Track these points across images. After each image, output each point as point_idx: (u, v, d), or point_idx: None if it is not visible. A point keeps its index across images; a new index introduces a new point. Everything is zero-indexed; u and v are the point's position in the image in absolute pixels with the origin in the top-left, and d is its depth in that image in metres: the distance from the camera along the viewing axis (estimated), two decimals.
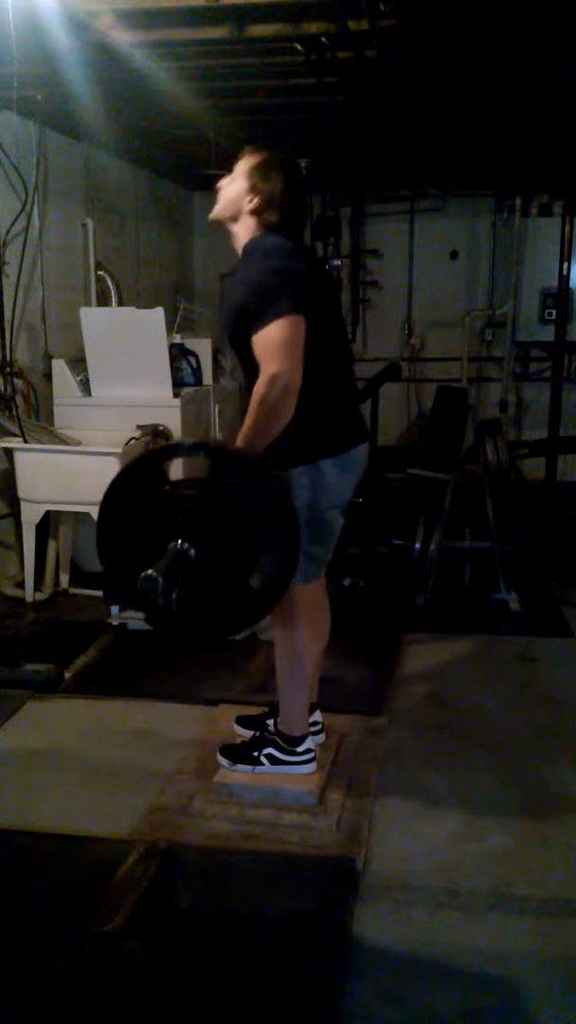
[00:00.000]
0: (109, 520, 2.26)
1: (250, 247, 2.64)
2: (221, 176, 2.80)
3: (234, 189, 2.67)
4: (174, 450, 2.26)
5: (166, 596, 2.08)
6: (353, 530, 5.26)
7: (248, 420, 2.36)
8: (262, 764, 2.87)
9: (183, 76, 4.17)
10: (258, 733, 2.97)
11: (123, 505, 2.24)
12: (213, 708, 3.46)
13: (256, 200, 2.62)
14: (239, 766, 2.89)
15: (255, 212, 2.63)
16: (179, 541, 2.13)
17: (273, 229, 2.62)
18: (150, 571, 2.03)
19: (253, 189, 2.62)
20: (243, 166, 2.67)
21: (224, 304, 2.71)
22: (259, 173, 2.63)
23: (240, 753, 2.92)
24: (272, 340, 2.37)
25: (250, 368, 2.50)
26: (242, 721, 3.15)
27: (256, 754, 2.88)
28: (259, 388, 2.36)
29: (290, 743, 2.87)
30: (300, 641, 2.79)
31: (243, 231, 2.67)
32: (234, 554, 2.17)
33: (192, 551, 2.12)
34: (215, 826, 2.72)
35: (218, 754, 2.94)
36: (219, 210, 2.72)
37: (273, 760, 2.87)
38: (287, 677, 2.83)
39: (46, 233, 5.14)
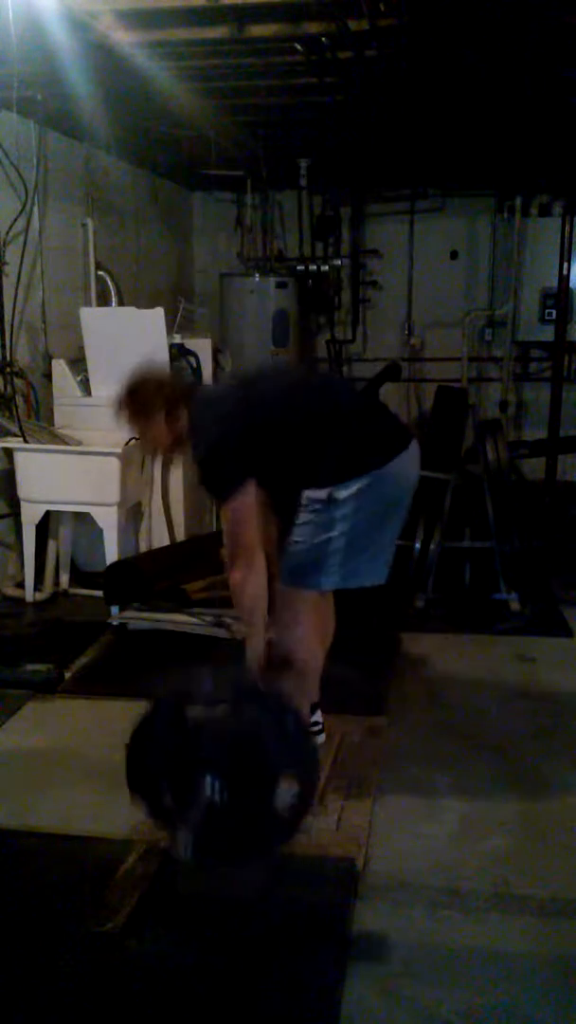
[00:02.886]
0: (137, 765, 2.38)
1: (190, 434, 2.78)
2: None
3: (154, 434, 2.83)
4: (190, 696, 2.38)
5: (197, 854, 2.18)
6: None
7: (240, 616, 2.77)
8: None
9: (183, 76, 4.17)
10: None
11: (148, 750, 2.37)
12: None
13: (165, 411, 2.77)
14: None
15: (177, 410, 2.77)
16: (204, 780, 2.23)
17: (185, 403, 2.78)
18: (178, 836, 2.14)
19: (149, 414, 2.79)
20: (133, 419, 2.84)
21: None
22: (139, 407, 2.80)
23: None
24: (230, 520, 2.67)
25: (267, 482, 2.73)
26: None
27: None
28: (228, 577, 2.71)
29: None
30: (305, 642, 2.80)
31: (178, 428, 2.80)
32: (259, 782, 2.27)
33: (217, 790, 2.22)
34: None
35: None
36: (168, 445, 2.88)
37: None
38: (291, 677, 2.83)
39: (46, 233, 5.13)
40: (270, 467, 2.70)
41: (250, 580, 2.67)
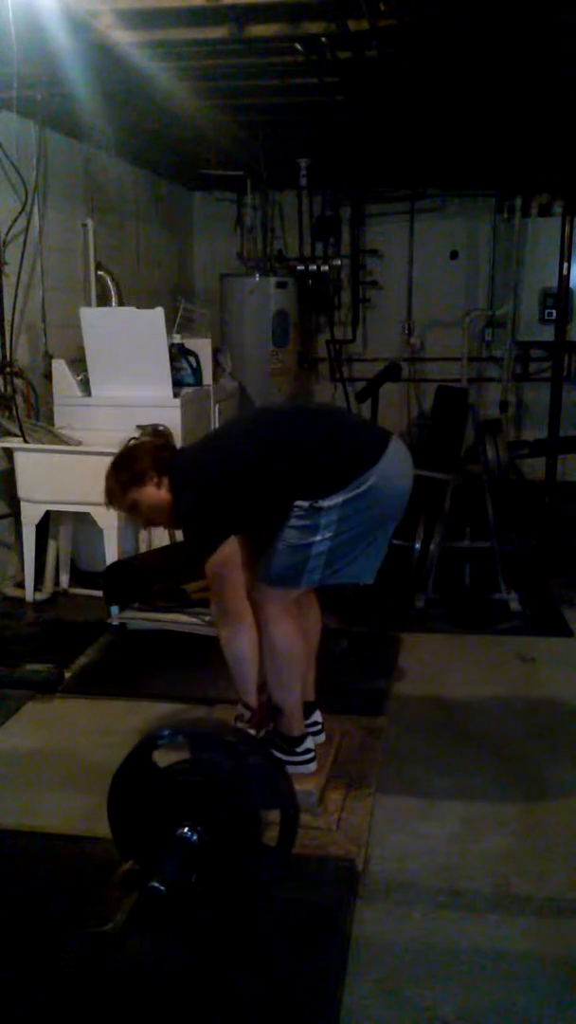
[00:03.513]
0: (117, 812, 2.37)
1: (173, 500, 2.80)
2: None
3: (144, 504, 2.82)
4: (155, 741, 2.37)
5: (175, 897, 2.16)
6: None
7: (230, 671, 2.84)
8: None
9: (183, 76, 4.17)
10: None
11: (125, 798, 2.35)
12: (213, 708, 3.46)
13: (152, 474, 2.78)
14: None
15: (160, 479, 2.79)
16: (180, 829, 2.22)
17: (167, 469, 2.80)
18: (154, 882, 2.11)
19: (143, 481, 2.78)
20: (124, 496, 2.82)
21: None
22: (130, 478, 2.79)
23: None
24: (211, 579, 2.74)
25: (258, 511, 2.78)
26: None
27: None
28: (218, 633, 2.82)
29: (290, 743, 2.87)
30: (281, 639, 2.79)
31: (167, 497, 2.81)
32: (238, 821, 2.26)
33: (195, 836, 2.21)
34: None
35: None
36: (164, 517, 2.90)
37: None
38: (275, 677, 2.84)
39: (46, 233, 5.13)
40: (251, 512, 2.76)
41: (237, 639, 2.76)
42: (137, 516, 2.95)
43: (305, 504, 2.64)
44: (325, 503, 2.62)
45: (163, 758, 2.38)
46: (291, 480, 2.68)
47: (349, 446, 2.73)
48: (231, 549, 2.69)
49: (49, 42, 3.51)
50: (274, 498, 2.71)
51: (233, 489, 2.72)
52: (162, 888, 2.08)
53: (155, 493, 2.79)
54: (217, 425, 5.63)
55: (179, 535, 5.02)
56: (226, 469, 2.75)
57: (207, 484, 2.75)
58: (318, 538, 2.64)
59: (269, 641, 2.80)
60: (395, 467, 2.71)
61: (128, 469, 2.81)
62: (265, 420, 3.02)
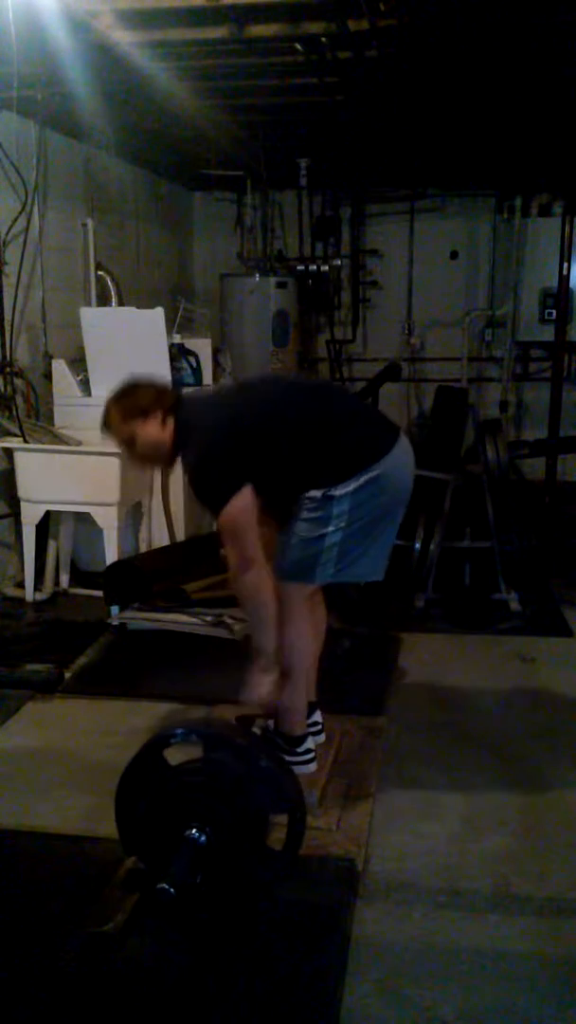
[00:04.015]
0: (124, 812, 2.36)
1: (178, 442, 2.69)
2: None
3: (141, 440, 2.70)
4: (167, 739, 2.36)
5: (184, 899, 2.15)
6: None
7: (251, 623, 2.77)
8: None
9: (183, 76, 4.17)
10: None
11: (134, 795, 2.34)
12: (213, 708, 3.45)
13: (157, 411, 2.67)
14: None
15: (164, 418, 2.69)
16: (189, 829, 2.21)
17: (172, 409, 2.70)
18: (163, 884, 2.11)
19: (144, 412, 2.67)
20: (123, 425, 2.70)
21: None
22: (133, 409, 2.68)
23: None
24: (227, 529, 2.60)
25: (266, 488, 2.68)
26: (242, 721, 3.14)
27: None
28: (235, 586, 2.68)
29: (291, 743, 2.87)
30: (301, 637, 2.79)
31: (168, 440, 2.70)
32: (246, 824, 2.26)
33: (203, 837, 2.21)
34: None
35: None
36: (158, 456, 2.78)
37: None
38: (290, 673, 2.82)
39: (46, 233, 5.14)
40: (263, 474, 2.65)
41: (260, 583, 2.63)
42: (131, 452, 2.78)
43: (317, 494, 2.62)
44: (337, 491, 2.61)
45: (172, 757, 2.37)
46: (307, 459, 2.64)
47: (366, 432, 2.74)
48: (245, 499, 2.56)
49: (49, 42, 3.51)
50: (286, 473, 2.67)
51: (244, 449, 2.62)
52: (171, 890, 2.08)
53: (156, 431, 2.67)
54: None
55: (179, 537, 5.05)
56: (238, 429, 2.66)
57: (218, 436, 2.66)
58: (330, 528, 2.63)
59: (282, 638, 2.78)
60: (403, 458, 2.75)
61: (132, 400, 2.69)
62: (281, 391, 2.93)
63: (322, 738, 3.08)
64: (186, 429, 2.68)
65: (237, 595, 2.71)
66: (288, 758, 2.84)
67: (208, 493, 2.62)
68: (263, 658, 2.74)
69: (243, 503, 2.55)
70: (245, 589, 2.65)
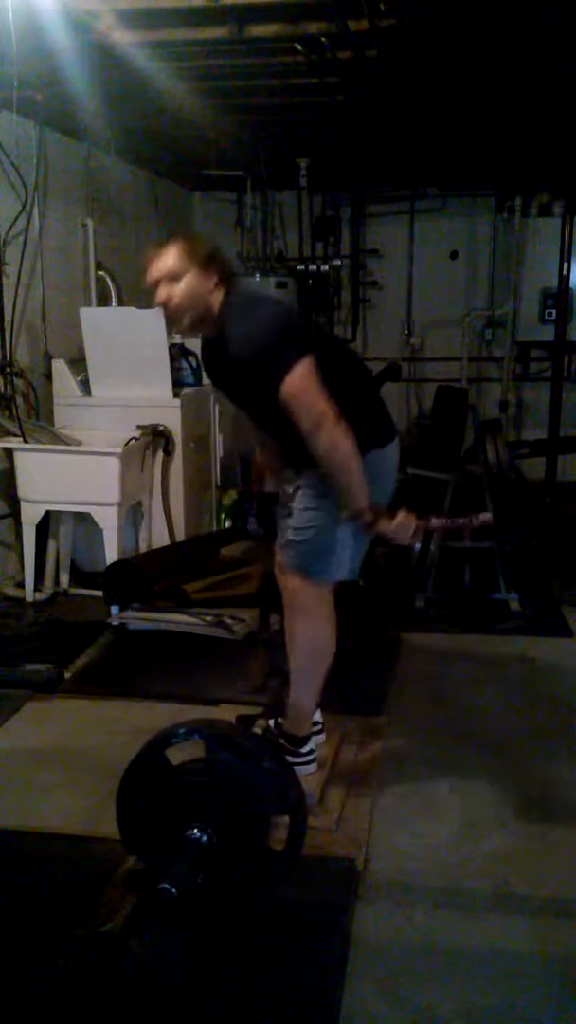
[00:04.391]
0: (125, 812, 2.35)
1: (236, 305, 2.57)
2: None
3: (188, 284, 2.53)
4: (170, 738, 2.35)
5: (185, 899, 2.14)
6: None
7: (339, 485, 2.51)
8: None
9: (183, 76, 4.17)
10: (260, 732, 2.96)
11: (135, 793, 2.33)
12: (213, 708, 3.46)
13: (215, 273, 2.56)
14: None
15: (218, 284, 2.56)
16: (190, 829, 2.21)
17: (227, 283, 2.59)
18: (164, 884, 2.09)
19: (206, 264, 2.55)
20: (180, 261, 2.53)
21: (217, 367, 2.73)
22: (195, 253, 2.55)
23: None
24: (298, 394, 2.42)
25: (264, 412, 2.63)
26: (242, 721, 3.15)
27: None
28: (314, 450, 2.46)
29: (295, 743, 2.87)
30: (322, 638, 2.79)
31: (212, 305, 2.57)
32: (247, 824, 2.25)
33: (204, 838, 2.20)
34: None
35: None
36: (191, 310, 2.57)
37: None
38: (306, 674, 2.82)
39: (46, 233, 5.14)
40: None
41: (339, 442, 2.44)
42: (167, 294, 2.55)
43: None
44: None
45: (173, 756, 2.37)
46: (346, 391, 2.53)
47: (384, 411, 2.76)
48: (309, 366, 2.43)
49: (49, 42, 3.51)
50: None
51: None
52: (173, 890, 2.08)
53: (206, 289, 2.53)
54: (218, 424, 5.63)
55: (179, 537, 5.05)
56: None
57: (281, 310, 2.62)
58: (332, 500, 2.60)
59: (301, 636, 2.77)
60: (395, 455, 2.76)
61: (203, 249, 2.56)
62: (324, 336, 2.88)
63: (322, 737, 3.08)
64: (242, 304, 2.56)
65: (317, 457, 2.49)
66: (290, 758, 2.84)
67: (271, 360, 2.44)
68: (363, 506, 2.54)
69: (307, 369, 2.43)
70: (324, 448, 2.45)
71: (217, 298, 2.56)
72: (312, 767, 2.88)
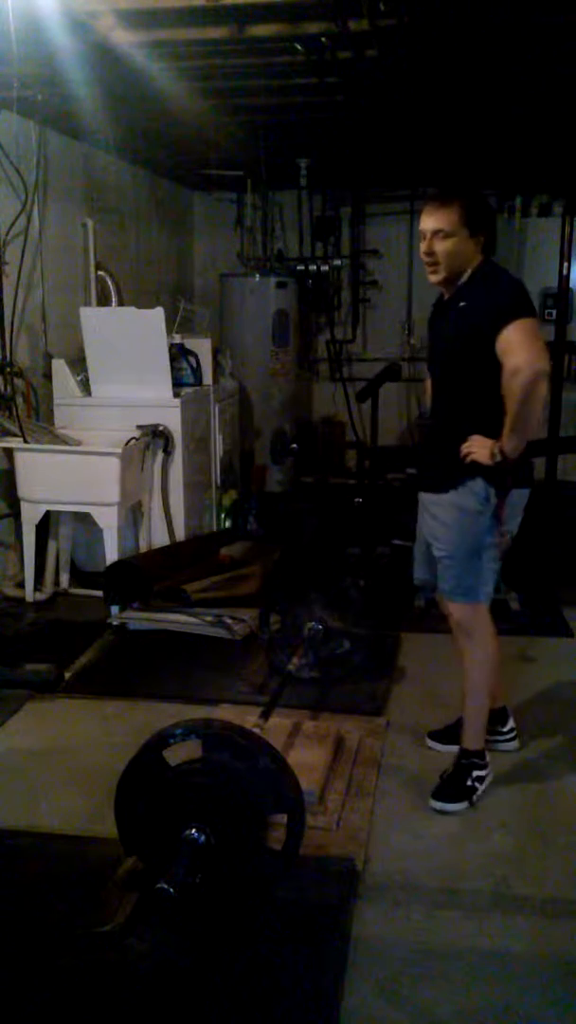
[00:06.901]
0: (123, 808, 2.36)
1: (485, 271, 2.73)
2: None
3: (456, 245, 2.68)
4: (167, 739, 2.36)
5: (184, 900, 2.14)
6: (353, 530, 5.26)
7: (509, 415, 2.56)
8: (477, 789, 2.89)
9: (183, 76, 4.17)
10: (457, 759, 2.97)
11: (133, 794, 2.34)
12: (213, 708, 3.46)
13: (482, 237, 2.72)
14: (458, 804, 2.86)
15: (477, 252, 2.72)
16: (188, 829, 2.21)
17: (485, 253, 2.75)
18: (162, 884, 2.10)
19: (477, 230, 2.70)
20: (461, 217, 2.67)
21: (443, 330, 2.84)
22: (479, 220, 2.70)
23: (453, 790, 2.88)
24: (523, 333, 2.54)
25: (463, 394, 2.76)
26: (437, 736, 3.26)
27: (469, 783, 2.89)
28: (510, 381, 2.53)
29: (481, 757, 2.94)
30: (487, 653, 2.93)
31: (466, 271, 2.73)
32: (245, 823, 2.26)
33: (202, 837, 2.20)
34: None
35: (432, 800, 2.87)
36: (448, 267, 2.72)
37: (481, 780, 2.91)
38: (479, 688, 2.94)
39: (46, 233, 5.14)
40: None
41: (544, 386, 2.58)
42: (436, 245, 2.68)
43: (483, 493, 2.74)
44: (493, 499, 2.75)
45: (171, 756, 2.37)
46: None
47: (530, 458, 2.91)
48: (537, 324, 2.60)
49: (49, 42, 3.51)
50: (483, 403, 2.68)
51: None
52: (171, 890, 2.08)
53: (471, 253, 2.70)
54: (218, 424, 5.63)
55: (179, 537, 5.05)
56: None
57: (520, 284, 2.74)
58: (488, 533, 2.78)
59: (472, 657, 2.93)
60: (525, 500, 3.00)
61: (487, 216, 2.75)
62: None
63: (516, 743, 3.20)
64: (491, 273, 2.73)
65: (522, 401, 2.54)
66: (476, 772, 2.91)
67: (506, 310, 2.58)
68: (518, 447, 2.64)
69: (536, 325, 2.59)
70: (527, 380, 2.52)
71: (472, 265, 2.71)
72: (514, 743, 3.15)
